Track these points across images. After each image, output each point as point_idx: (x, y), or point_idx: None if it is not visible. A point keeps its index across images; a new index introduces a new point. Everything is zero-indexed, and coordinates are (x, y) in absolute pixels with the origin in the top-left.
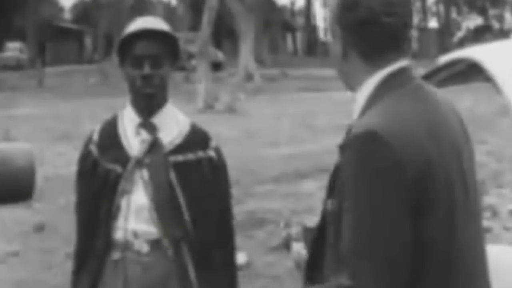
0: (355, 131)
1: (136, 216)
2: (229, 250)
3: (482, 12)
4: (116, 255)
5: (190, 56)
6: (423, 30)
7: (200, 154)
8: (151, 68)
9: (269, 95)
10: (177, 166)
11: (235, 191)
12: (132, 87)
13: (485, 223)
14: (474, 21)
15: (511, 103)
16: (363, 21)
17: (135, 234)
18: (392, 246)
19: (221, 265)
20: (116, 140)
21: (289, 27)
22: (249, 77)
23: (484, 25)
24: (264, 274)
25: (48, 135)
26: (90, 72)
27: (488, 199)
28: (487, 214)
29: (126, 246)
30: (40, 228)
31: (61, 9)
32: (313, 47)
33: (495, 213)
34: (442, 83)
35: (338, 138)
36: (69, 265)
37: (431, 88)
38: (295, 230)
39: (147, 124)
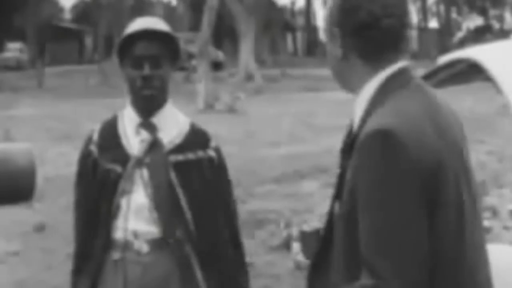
0: (368, 131)
1: (136, 216)
2: (236, 248)
3: (483, 12)
4: (116, 255)
5: (190, 56)
6: (423, 30)
7: (200, 153)
8: (151, 69)
9: (269, 95)
10: (177, 166)
11: (235, 191)
12: (132, 88)
13: (486, 223)
14: (474, 21)
15: (511, 103)
16: (364, 24)
17: (135, 234)
18: (414, 244)
19: (229, 263)
20: (116, 140)
21: (289, 27)
22: (249, 77)
23: (484, 25)
24: (265, 274)
25: (48, 135)
26: (90, 73)
27: (489, 199)
28: (487, 214)
29: (126, 246)
30: (40, 228)
31: (61, 9)
32: (313, 47)
33: (495, 213)
34: (443, 83)
35: (339, 138)
36: (69, 265)
37: (430, 88)
38: (295, 230)
39: (147, 124)
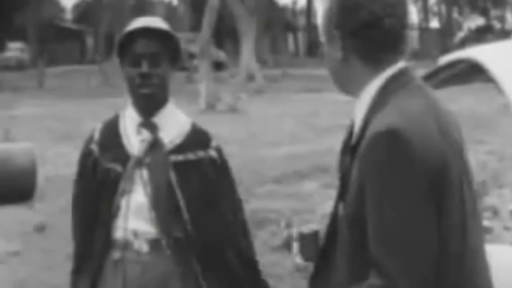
0: (374, 132)
1: (135, 216)
2: (244, 248)
3: (484, 12)
4: (115, 254)
5: (192, 56)
6: (425, 30)
7: (201, 153)
8: (149, 67)
9: (270, 95)
10: (177, 166)
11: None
12: (130, 87)
13: (486, 223)
14: (475, 21)
15: None
16: (365, 25)
17: (135, 234)
18: (423, 243)
19: (233, 263)
20: (117, 139)
21: (290, 27)
22: (250, 77)
23: (485, 25)
24: (266, 274)
25: (49, 135)
26: (92, 73)
27: (489, 199)
28: (487, 214)
29: (126, 245)
30: (40, 228)
31: (62, 9)
32: (315, 47)
33: (495, 213)
34: (443, 83)
35: (340, 138)
36: (69, 266)
37: (429, 88)
38: (296, 230)
39: (147, 124)
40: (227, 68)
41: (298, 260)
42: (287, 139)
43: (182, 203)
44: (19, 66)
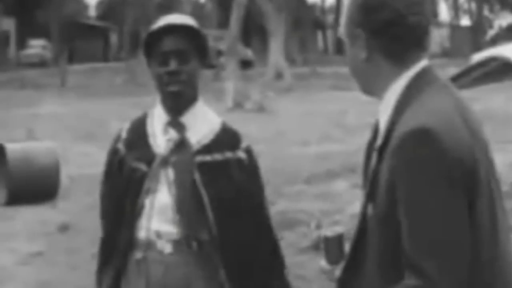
0: (405, 131)
1: (159, 216)
2: (269, 251)
3: None
4: (138, 254)
5: (219, 54)
6: (455, 28)
7: (228, 155)
8: (177, 64)
9: (299, 93)
10: (203, 167)
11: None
12: (159, 85)
13: None
14: (506, 19)
15: None
16: (389, 23)
17: (158, 234)
18: (459, 242)
19: (256, 266)
20: (144, 138)
21: (319, 25)
22: (279, 75)
23: None
24: (294, 275)
25: (72, 134)
26: (116, 71)
27: None
28: None
29: (149, 245)
30: (64, 228)
31: (85, 6)
32: (344, 45)
33: None
34: (476, 82)
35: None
36: (94, 266)
37: (453, 86)
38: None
39: (175, 123)
40: (255, 66)
41: (323, 263)
42: (316, 138)
43: (206, 204)
44: (42, 63)
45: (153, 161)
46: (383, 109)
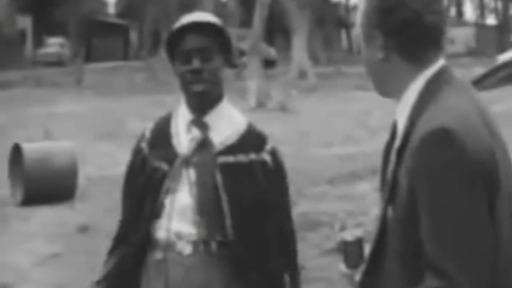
0: (425, 131)
1: (180, 216)
2: (287, 257)
3: None
4: (158, 255)
5: (242, 53)
6: (481, 27)
7: (253, 156)
8: (200, 62)
9: (323, 93)
10: (226, 168)
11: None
12: (182, 85)
13: None
14: None
15: None
16: (406, 23)
17: (178, 235)
18: (481, 243)
19: (278, 271)
20: (167, 138)
21: (343, 23)
22: (302, 74)
23: None
24: (317, 278)
25: (90, 133)
26: (136, 69)
27: None
28: None
29: (168, 246)
30: (83, 229)
31: (104, 3)
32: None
33: None
34: (501, 82)
35: None
36: None
37: (470, 85)
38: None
39: (198, 122)
40: (278, 65)
41: (343, 267)
42: (339, 139)
43: (226, 206)
44: (59, 62)
45: (175, 161)
46: (401, 110)
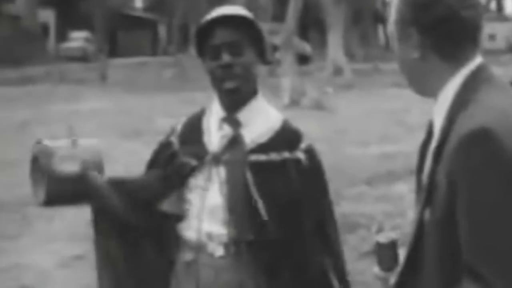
0: (465, 132)
1: (210, 217)
2: (331, 258)
3: None
4: (188, 256)
5: (275, 48)
6: None
7: (286, 155)
8: (230, 57)
9: (359, 90)
10: (257, 166)
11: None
12: (213, 81)
13: None
14: None
15: None
16: (442, 19)
17: (209, 236)
18: None
19: (320, 274)
20: (198, 134)
21: (380, 18)
22: (338, 71)
23: None
24: (354, 281)
25: (116, 131)
26: (165, 65)
27: None
28: None
29: (199, 247)
30: None
31: None
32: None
33: None
34: None
35: None
36: None
37: (506, 83)
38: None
39: (230, 119)
40: (312, 61)
41: (377, 270)
42: (376, 138)
43: (259, 205)
44: (84, 57)
45: (205, 158)
46: (438, 109)
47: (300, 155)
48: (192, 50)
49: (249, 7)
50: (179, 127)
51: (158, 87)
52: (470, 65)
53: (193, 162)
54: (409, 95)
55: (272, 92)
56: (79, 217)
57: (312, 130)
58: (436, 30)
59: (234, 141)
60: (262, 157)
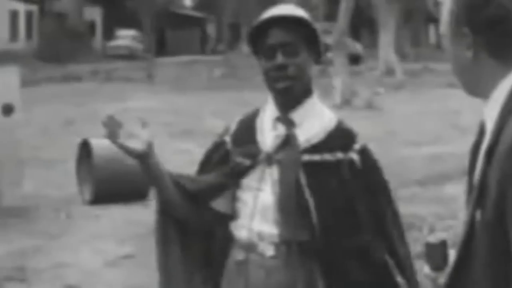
0: None
1: (262, 216)
2: (392, 259)
3: None
4: (239, 256)
5: (326, 48)
6: None
7: (340, 155)
8: (285, 57)
9: (411, 91)
10: (310, 166)
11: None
12: (267, 82)
13: None
14: None
15: None
16: (495, 19)
17: (260, 235)
18: None
19: (381, 274)
20: (252, 134)
21: (432, 18)
22: (389, 71)
23: None
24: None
25: (164, 130)
26: (214, 64)
27: None
28: None
29: (250, 247)
30: None
31: None
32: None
33: None
34: None
35: None
36: None
37: None
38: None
39: (284, 119)
40: (364, 61)
41: (427, 270)
42: (428, 139)
43: (311, 206)
44: (131, 55)
45: (258, 158)
46: (490, 110)
47: (354, 155)
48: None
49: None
50: (233, 127)
51: (207, 86)
52: None
53: (246, 162)
54: (461, 96)
55: (324, 92)
56: (126, 216)
57: (364, 130)
58: (489, 30)
59: (288, 141)
60: (315, 157)
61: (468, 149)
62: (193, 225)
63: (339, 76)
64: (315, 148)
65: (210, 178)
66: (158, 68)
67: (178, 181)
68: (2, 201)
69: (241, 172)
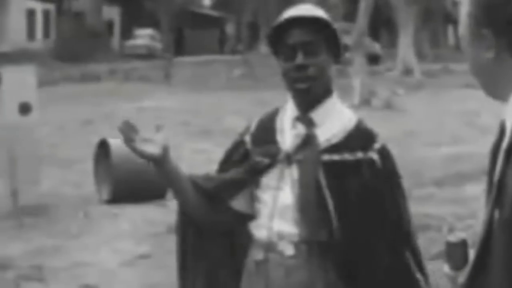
0: None
1: (281, 216)
2: (409, 254)
3: None
4: (258, 255)
5: (345, 48)
6: None
7: (359, 155)
8: (305, 57)
9: (429, 91)
10: (330, 166)
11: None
12: (286, 82)
13: None
14: None
15: None
16: None
17: (280, 235)
18: None
19: (401, 270)
20: (271, 133)
21: (450, 19)
22: (408, 71)
23: None
24: None
25: (182, 130)
26: (233, 64)
27: None
28: None
29: (269, 246)
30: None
31: None
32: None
33: None
34: None
35: None
36: None
37: None
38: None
39: (304, 118)
40: (383, 61)
41: (447, 269)
42: (447, 139)
43: (330, 205)
44: (150, 54)
45: (277, 157)
46: (510, 110)
47: (374, 155)
48: (262, 49)
49: (320, 6)
50: (253, 126)
51: (226, 86)
52: None
53: (266, 161)
54: (480, 96)
55: (342, 92)
56: (144, 215)
57: (382, 130)
58: (509, 30)
59: (308, 141)
60: (335, 157)
61: (487, 149)
62: (212, 226)
63: (358, 76)
64: (335, 148)
65: (229, 174)
66: (177, 68)
67: (196, 182)
68: (19, 200)
69: (260, 170)
